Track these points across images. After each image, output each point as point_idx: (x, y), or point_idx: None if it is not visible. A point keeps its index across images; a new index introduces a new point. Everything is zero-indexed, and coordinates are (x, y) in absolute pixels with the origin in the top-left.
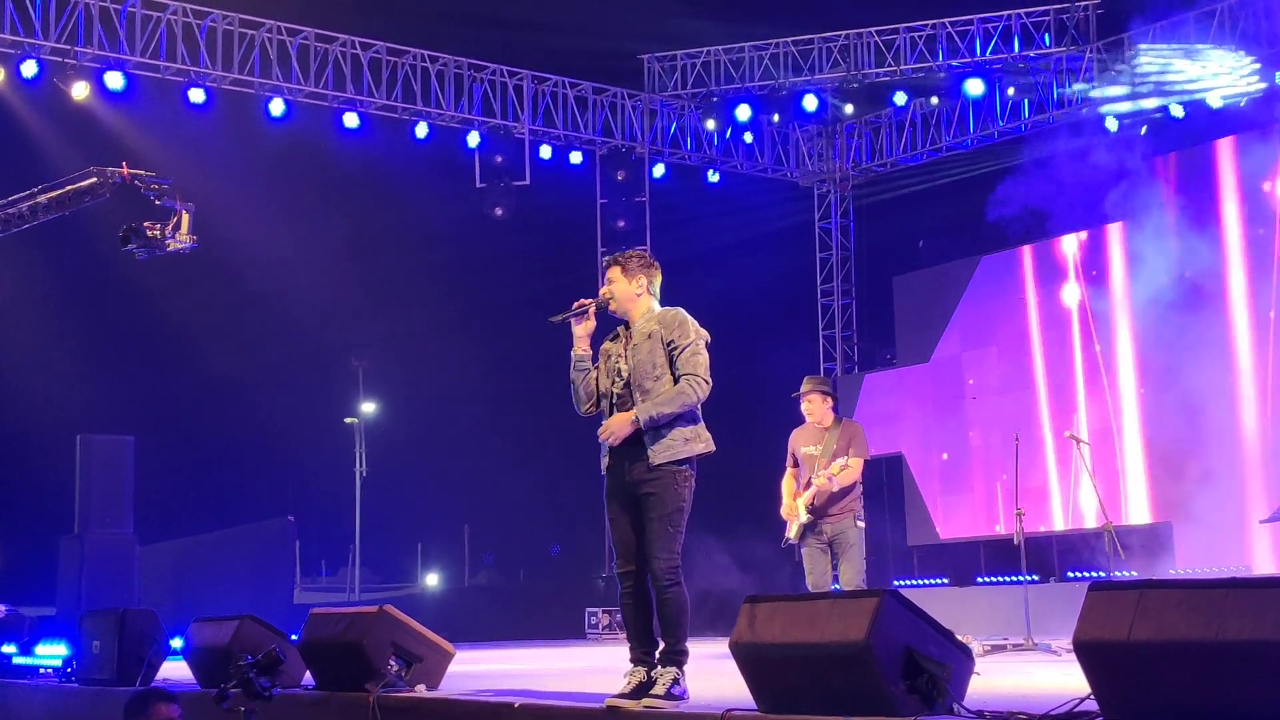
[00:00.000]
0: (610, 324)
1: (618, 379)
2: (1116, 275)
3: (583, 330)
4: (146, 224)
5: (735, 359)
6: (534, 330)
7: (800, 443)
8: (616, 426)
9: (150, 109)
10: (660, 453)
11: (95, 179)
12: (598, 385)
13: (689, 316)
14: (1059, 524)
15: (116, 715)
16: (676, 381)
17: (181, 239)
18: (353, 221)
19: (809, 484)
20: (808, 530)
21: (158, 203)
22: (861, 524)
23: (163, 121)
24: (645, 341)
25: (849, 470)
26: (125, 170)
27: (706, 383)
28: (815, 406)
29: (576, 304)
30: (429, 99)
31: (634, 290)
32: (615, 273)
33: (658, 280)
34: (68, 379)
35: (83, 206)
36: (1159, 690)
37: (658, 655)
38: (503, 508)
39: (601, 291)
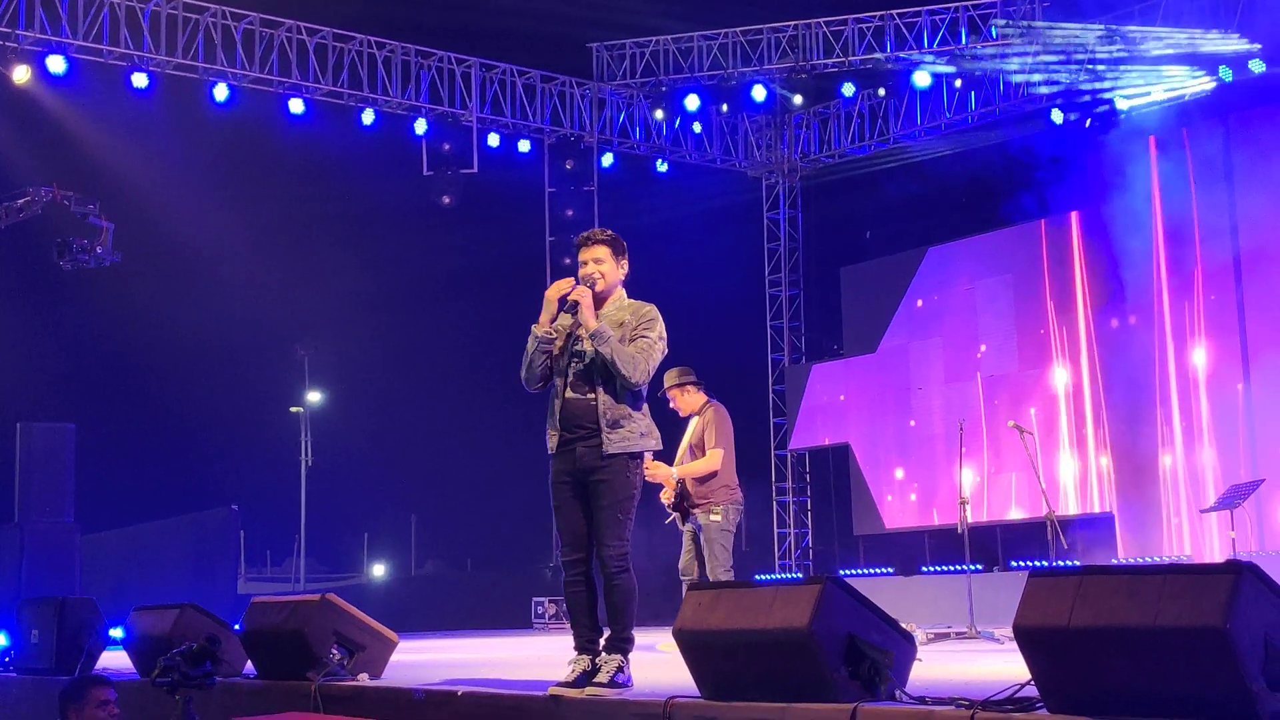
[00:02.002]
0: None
1: (577, 360)
2: (1061, 265)
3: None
4: (75, 240)
5: (683, 349)
6: (480, 319)
7: None
8: (589, 305)
9: (92, 93)
10: (616, 442)
11: (29, 198)
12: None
13: (661, 322)
14: (1003, 514)
15: (55, 704)
16: None
17: (105, 253)
18: (298, 209)
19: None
20: (683, 515)
21: (84, 220)
22: (716, 517)
23: (105, 106)
24: (617, 330)
25: (700, 463)
26: (57, 192)
27: (648, 375)
28: (678, 403)
29: (579, 293)
30: (376, 86)
31: (619, 275)
32: (604, 253)
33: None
34: (7, 366)
35: (17, 221)
36: (1098, 675)
37: (603, 642)
38: (449, 497)
39: (587, 274)
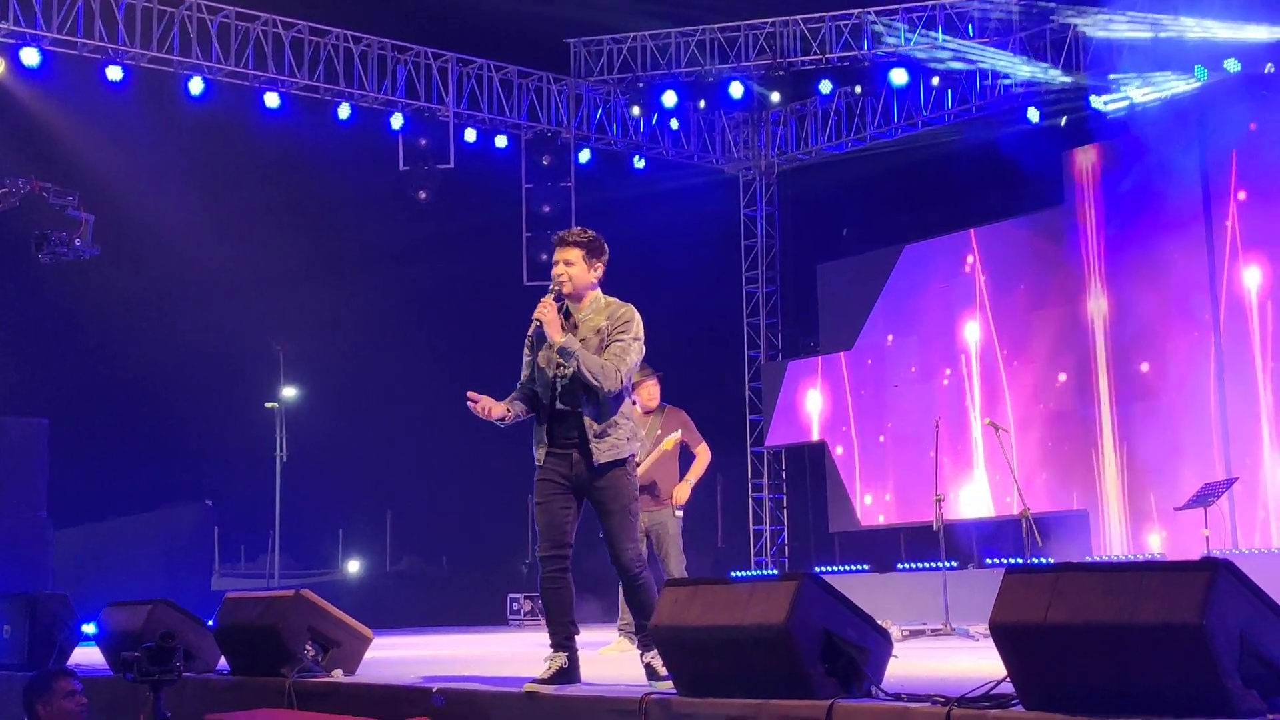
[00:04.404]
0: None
1: (562, 375)
2: (1036, 262)
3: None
4: (53, 232)
5: (659, 346)
6: (457, 315)
7: None
8: (551, 320)
9: (67, 87)
10: (605, 452)
11: (6, 190)
12: (535, 374)
13: (638, 319)
14: (978, 511)
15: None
16: None
17: (84, 246)
18: (274, 203)
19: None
20: None
21: (63, 212)
22: (680, 513)
23: (80, 99)
24: (593, 337)
25: (702, 465)
26: (35, 183)
27: (621, 381)
28: (655, 391)
29: (540, 312)
30: (352, 80)
31: (590, 279)
32: (575, 255)
33: (607, 264)
34: None
35: None
36: (1074, 671)
37: (641, 638)
38: (425, 494)
39: (556, 274)
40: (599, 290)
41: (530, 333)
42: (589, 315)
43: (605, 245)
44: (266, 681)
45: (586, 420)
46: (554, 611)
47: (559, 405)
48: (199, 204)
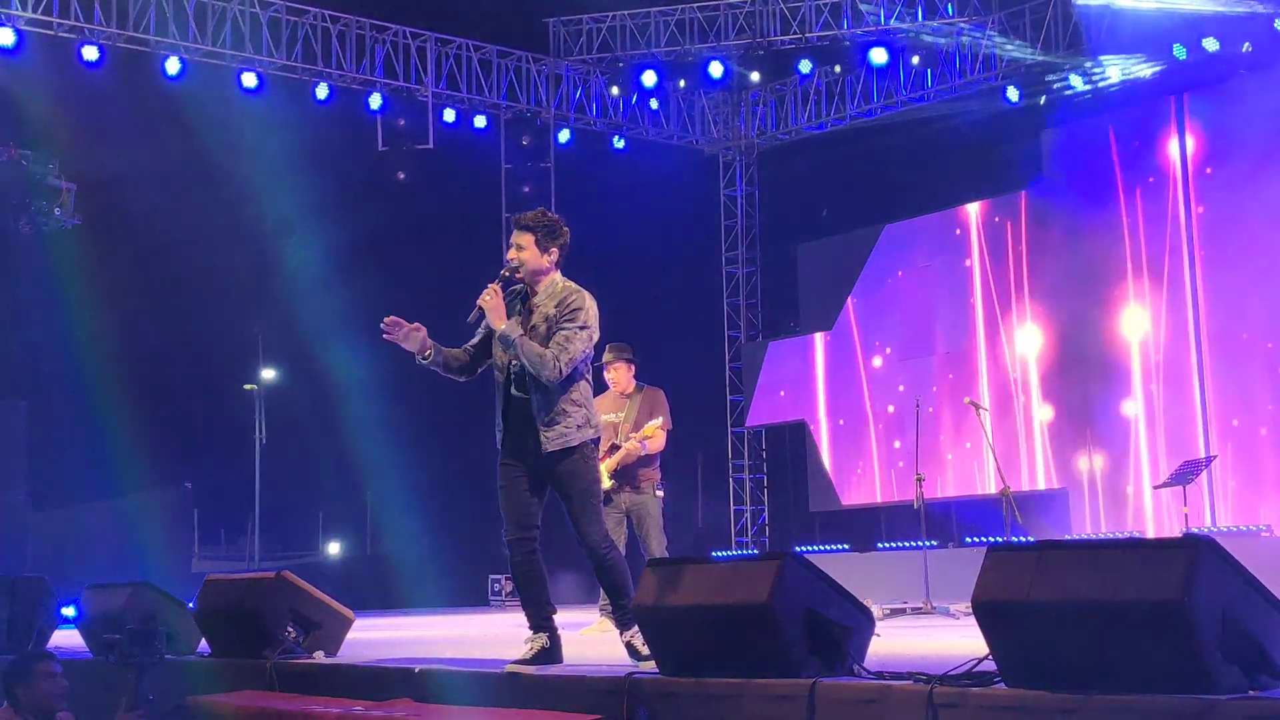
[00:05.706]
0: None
1: (516, 359)
2: (1016, 242)
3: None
4: (34, 201)
5: (639, 326)
6: (435, 297)
7: (600, 410)
8: (493, 308)
9: (42, 67)
10: (553, 440)
11: None
12: (486, 350)
13: (589, 306)
14: (958, 490)
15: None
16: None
17: (65, 215)
18: (251, 183)
19: (611, 449)
20: (608, 496)
21: (44, 181)
22: (660, 493)
23: (55, 80)
24: (543, 324)
25: (657, 437)
26: (14, 150)
27: (562, 371)
28: (621, 374)
29: (482, 299)
30: (330, 60)
31: (544, 262)
32: (526, 240)
33: (566, 246)
34: None
35: None
36: (1056, 649)
37: (615, 619)
38: (405, 475)
39: (509, 257)
40: (556, 274)
41: (469, 320)
42: (543, 300)
43: (563, 228)
44: (248, 664)
45: (535, 406)
46: (528, 594)
47: (513, 391)
48: (176, 185)
